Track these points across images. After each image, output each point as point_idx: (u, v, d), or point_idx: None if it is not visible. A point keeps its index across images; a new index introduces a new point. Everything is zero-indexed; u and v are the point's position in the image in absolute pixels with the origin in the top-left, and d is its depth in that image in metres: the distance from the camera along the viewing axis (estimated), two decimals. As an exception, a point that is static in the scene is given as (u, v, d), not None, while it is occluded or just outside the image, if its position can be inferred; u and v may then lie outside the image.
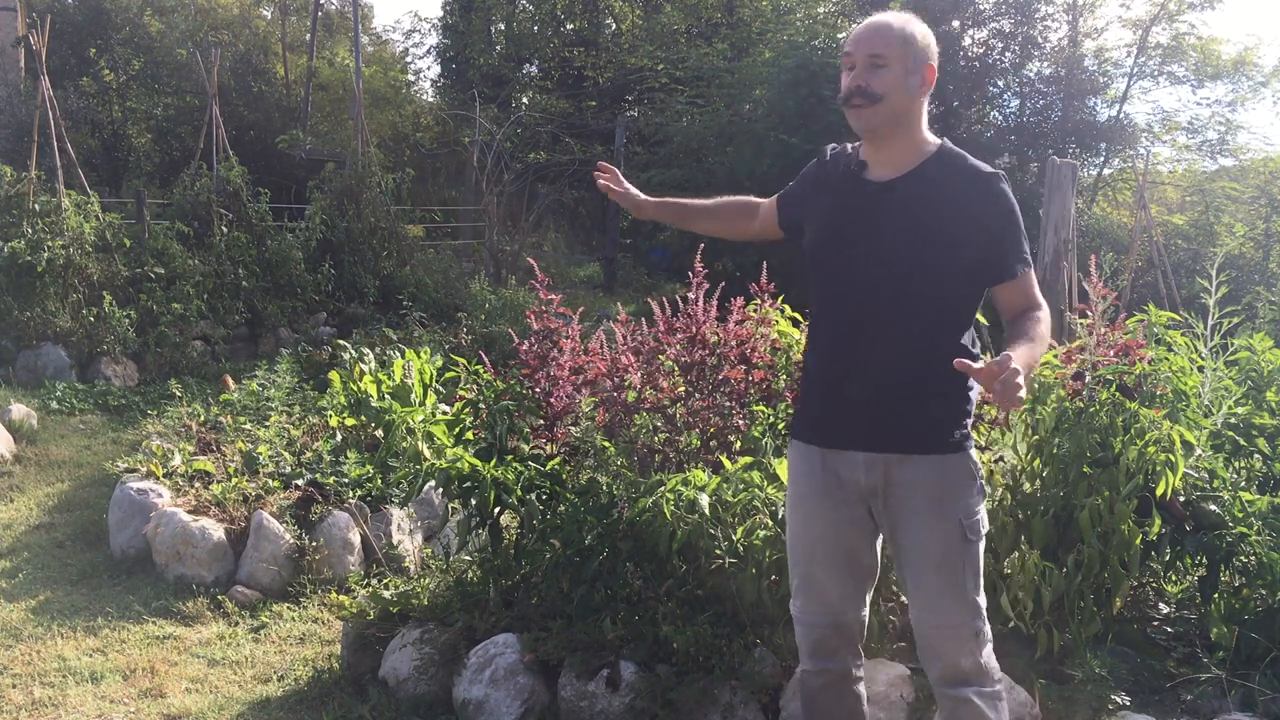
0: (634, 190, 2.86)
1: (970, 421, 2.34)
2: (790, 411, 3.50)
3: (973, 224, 2.24)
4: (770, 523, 3.13)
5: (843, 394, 2.35)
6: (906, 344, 2.27)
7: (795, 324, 3.85)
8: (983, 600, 2.35)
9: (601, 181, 2.87)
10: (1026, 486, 3.37)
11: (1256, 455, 3.67)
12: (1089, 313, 3.41)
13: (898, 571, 2.40)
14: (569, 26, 22.22)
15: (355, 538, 4.63)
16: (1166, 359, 3.43)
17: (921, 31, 2.30)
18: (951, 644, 2.31)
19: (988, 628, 2.36)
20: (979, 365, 2.00)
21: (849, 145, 2.47)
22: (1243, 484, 3.65)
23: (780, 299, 3.81)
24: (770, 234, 2.72)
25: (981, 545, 2.34)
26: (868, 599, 2.50)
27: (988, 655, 2.35)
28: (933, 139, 2.35)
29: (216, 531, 4.52)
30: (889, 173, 2.33)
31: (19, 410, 6.63)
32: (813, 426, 2.43)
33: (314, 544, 4.50)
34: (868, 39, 2.27)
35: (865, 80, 2.25)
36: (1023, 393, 1.97)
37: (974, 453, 2.35)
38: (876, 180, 2.34)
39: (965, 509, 2.30)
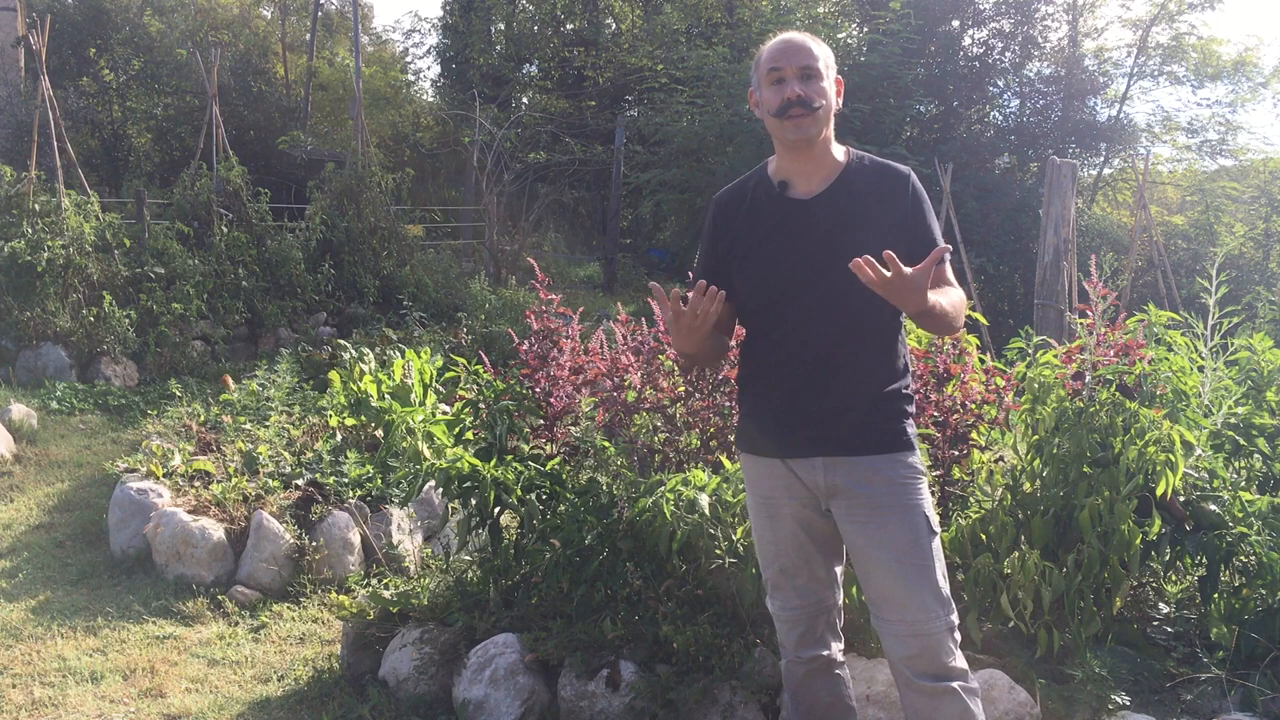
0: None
1: (912, 421, 2.43)
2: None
3: (892, 220, 2.35)
4: (770, 523, 3.13)
5: (796, 407, 2.39)
6: (852, 351, 2.34)
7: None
8: (949, 594, 2.38)
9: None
10: (1026, 486, 3.37)
11: (1256, 455, 3.67)
12: (1089, 313, 3.41)
13: (863, 578, 2.40)
14: (569, 26, 22.24)
15: (355, 538, 4.63)
16: (1166, 359, 3.42)
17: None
18: (932, 640, 2.32)
19: (958, 621, 2.39)
20: (888, 273, 2.04)
21: (746, 178, 2.51)
22: (1243, 484, 3.65)
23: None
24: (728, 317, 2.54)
25: (939, 540, 2.39)
26: (840, 579, 2.55)
27: (959, 651, 2.37)
28: (840, 148, 2.44)
29: (216, 531, 4.52)
30: (813, 187, 2.40)
31: (19, 410, 6.64)
32: (766, 441, 2.46)
33: (314, 544, 4.50)
34: (796, 53, 2.35)
35: (803, 90, 2.32)
36: (918, 295, 2.08)
37: (919, 451, 2.44)
38: (800, 198, 2.40)
39: (924, 503, 2.37)
